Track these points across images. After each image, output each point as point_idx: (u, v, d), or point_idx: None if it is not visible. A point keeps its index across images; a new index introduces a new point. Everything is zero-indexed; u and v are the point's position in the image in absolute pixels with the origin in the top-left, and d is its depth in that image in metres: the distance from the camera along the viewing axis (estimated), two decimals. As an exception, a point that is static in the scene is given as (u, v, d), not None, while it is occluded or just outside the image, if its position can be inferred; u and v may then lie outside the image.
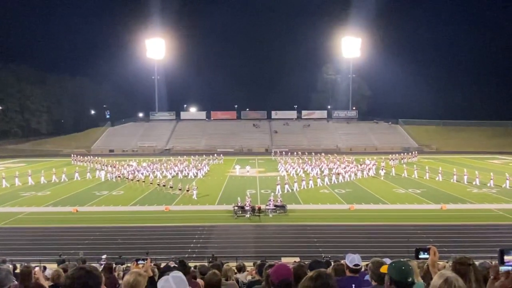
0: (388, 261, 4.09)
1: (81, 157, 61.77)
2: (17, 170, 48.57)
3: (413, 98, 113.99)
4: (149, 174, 46.93)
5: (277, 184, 37.49)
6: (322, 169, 47.92)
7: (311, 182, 40.38)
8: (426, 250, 3.88)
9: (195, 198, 34.51)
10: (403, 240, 21.09)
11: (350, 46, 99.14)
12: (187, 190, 35.61)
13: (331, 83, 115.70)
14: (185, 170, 49.64)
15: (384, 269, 3.64)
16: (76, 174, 46.53)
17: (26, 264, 4.96)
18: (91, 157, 60.71)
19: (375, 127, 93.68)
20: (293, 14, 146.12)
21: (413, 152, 64.24)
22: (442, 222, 27.00)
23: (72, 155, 63.44)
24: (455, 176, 42.75)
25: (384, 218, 28.18)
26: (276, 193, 35.25)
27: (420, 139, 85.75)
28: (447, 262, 9.33)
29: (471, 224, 26.29)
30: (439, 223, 26.65)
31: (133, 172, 45.83)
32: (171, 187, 38.10)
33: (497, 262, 4.01)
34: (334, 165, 50.33)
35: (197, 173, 48.35)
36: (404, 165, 51.62)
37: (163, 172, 48.26)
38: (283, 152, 65.60)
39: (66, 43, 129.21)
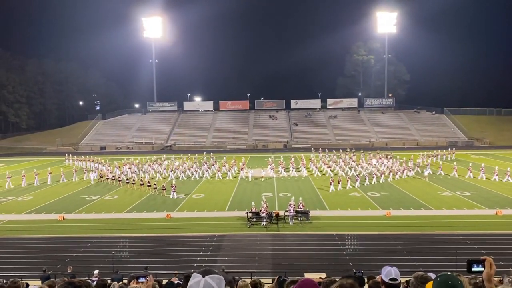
0: (433, 276, 4.05)
1: (77, 156, 62.94)
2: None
3: (461, 83, 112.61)
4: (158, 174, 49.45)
5: (330, 183, 39.86)
6: (352, 168, 48.35)
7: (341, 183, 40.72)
8: (481, 262, 3.84)
9: (175, 198, 37.12)
10: (451, 252, 20.88)
11: (384, 22, 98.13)
12: (163, 189, 38.86)
13: (362, 65, 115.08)
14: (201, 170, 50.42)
15: (429, 286, 3.61)
16: (74, 175, 47.90)
17: (13, 279, 5.07)
18: (89, 156, 61.64)
19: (415, 118, 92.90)
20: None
21: (451, 148, 63.05)
22: (497, 230, 26.66)
23: (66, 154, 64.31)
24: (507, 176, 42.58)
25: (427, 226, 27.93)
26: (330, 192, 37.92)
27: (470, 131, 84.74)
28: (501, 279, 9.21)
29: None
30: (494, 232, 26.32)
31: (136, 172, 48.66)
32: (163, 189, 39.50)
33: None
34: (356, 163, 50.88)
35: (203, 173, 49.10)
36: (440, 162, 51.73)
37: (175, 172, 49.69)
38: (324, 149, 64.19)
39: (49, 22, 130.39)
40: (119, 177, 45.01)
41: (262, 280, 14.13)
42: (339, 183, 40.59)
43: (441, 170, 46.90)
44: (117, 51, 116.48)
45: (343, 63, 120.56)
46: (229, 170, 49.67)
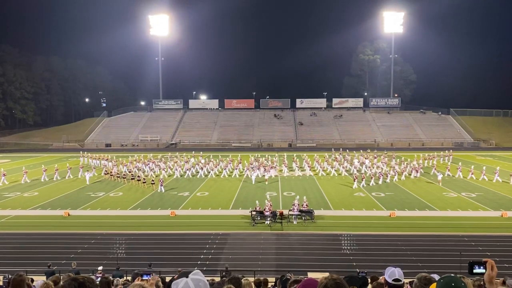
0: (436, 277, 4.05)
1: (91, 153, 63.06)
2: (2, 167, 49.86)
3: (468, 84, 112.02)
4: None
5: (354, 180, 41.20)
6: (356, 167, 48.56)
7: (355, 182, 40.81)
8: (482, 264, 3.83)
9: (163, 191, 39.06)
10: (455, 253, 20.81)
11: (391, 21, 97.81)
12: (152, 183, 41.09)
13: (368, 65, 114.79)
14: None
15: (432, 287, 3.61)
16: (68, 172, 47.88)
17: (18, 273, 5.10)
18: (103, 153, 62.05)
19: (421, 118, 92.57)
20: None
21: (448, 150, 62.33)
22: (502, 232, 26.53)
23: (81, 152, 64.31)
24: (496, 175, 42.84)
25: (431, 226, 27.83)
26: (354, 187, 39.88)
27: (476, 132, 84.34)
28: (504, 280, 9.18)
29: (539, 235, 25.77)
30: (499, 234, 26.20)
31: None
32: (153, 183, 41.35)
33: None
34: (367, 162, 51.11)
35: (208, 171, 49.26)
36: (457, 164, 51.13)
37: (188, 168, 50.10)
38: (345, 150, 64.11)
39: (56, 20, 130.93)
40: (146, 176, 45.49)
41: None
42: (362, 180, 41.39)
43: (460, 171, 46.31)
44: (123, 49, 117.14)
45: (349, 63, 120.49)
46: (225, 169, 49.56)
